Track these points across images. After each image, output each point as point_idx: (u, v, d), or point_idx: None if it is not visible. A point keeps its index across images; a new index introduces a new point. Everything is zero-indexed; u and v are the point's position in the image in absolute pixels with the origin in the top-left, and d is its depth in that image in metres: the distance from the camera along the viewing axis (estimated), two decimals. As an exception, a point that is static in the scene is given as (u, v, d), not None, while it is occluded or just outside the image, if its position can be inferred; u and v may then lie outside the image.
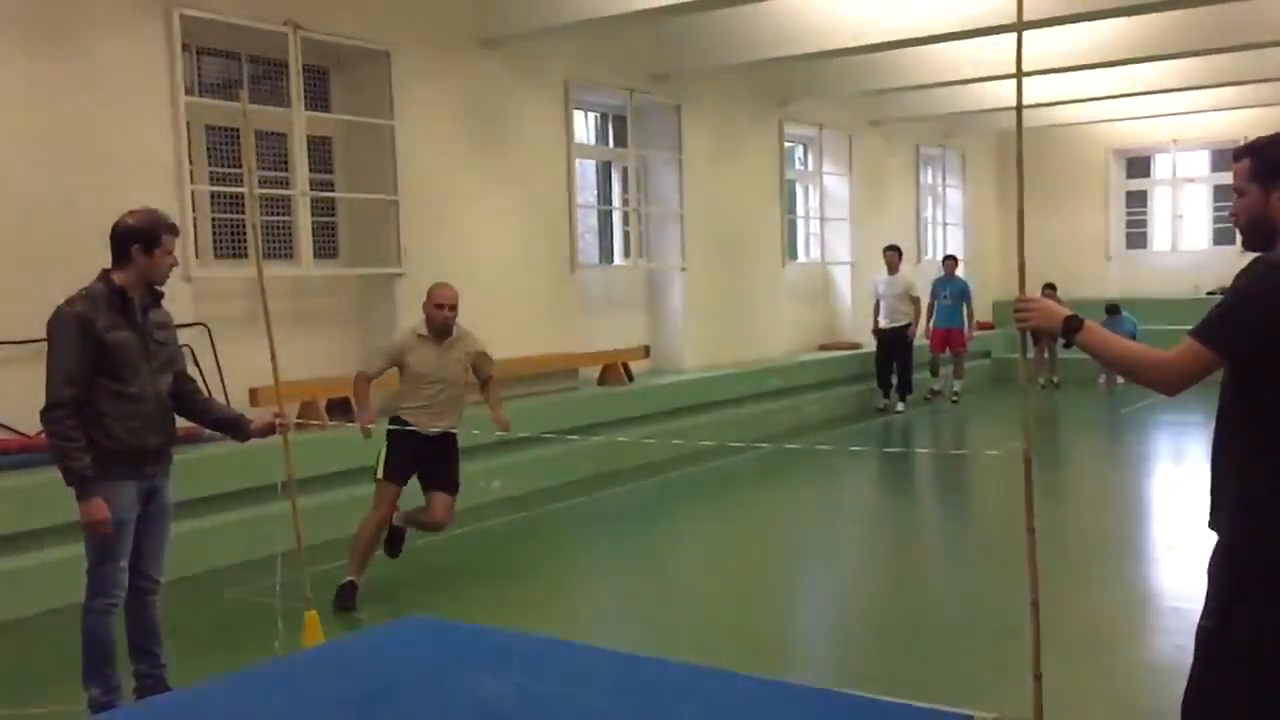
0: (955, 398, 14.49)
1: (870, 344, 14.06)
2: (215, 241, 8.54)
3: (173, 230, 4.51)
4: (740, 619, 6.14)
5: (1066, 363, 15.55)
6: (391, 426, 6.24)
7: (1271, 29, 11.28)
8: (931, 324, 14.39)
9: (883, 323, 13.64)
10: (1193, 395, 3.04)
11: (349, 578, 6.11)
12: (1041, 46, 11.35)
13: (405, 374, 6.27)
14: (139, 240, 4.38)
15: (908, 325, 13.59)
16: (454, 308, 6.22)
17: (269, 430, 4.86)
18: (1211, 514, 2.92)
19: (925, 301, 14.26)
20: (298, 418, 7.24)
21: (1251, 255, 2.86)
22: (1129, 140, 18.70)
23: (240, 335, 7.85)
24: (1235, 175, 2.91)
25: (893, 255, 13.73)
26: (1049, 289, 14.83)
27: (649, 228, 12.51)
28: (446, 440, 6.34)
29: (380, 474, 6.23)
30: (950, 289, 14.46)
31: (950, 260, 14.89)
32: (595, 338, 11.35)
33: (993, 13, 9.87)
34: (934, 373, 14.45)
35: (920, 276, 14.80)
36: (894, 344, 13.59)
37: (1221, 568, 2.87)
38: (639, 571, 7.39)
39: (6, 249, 6.93)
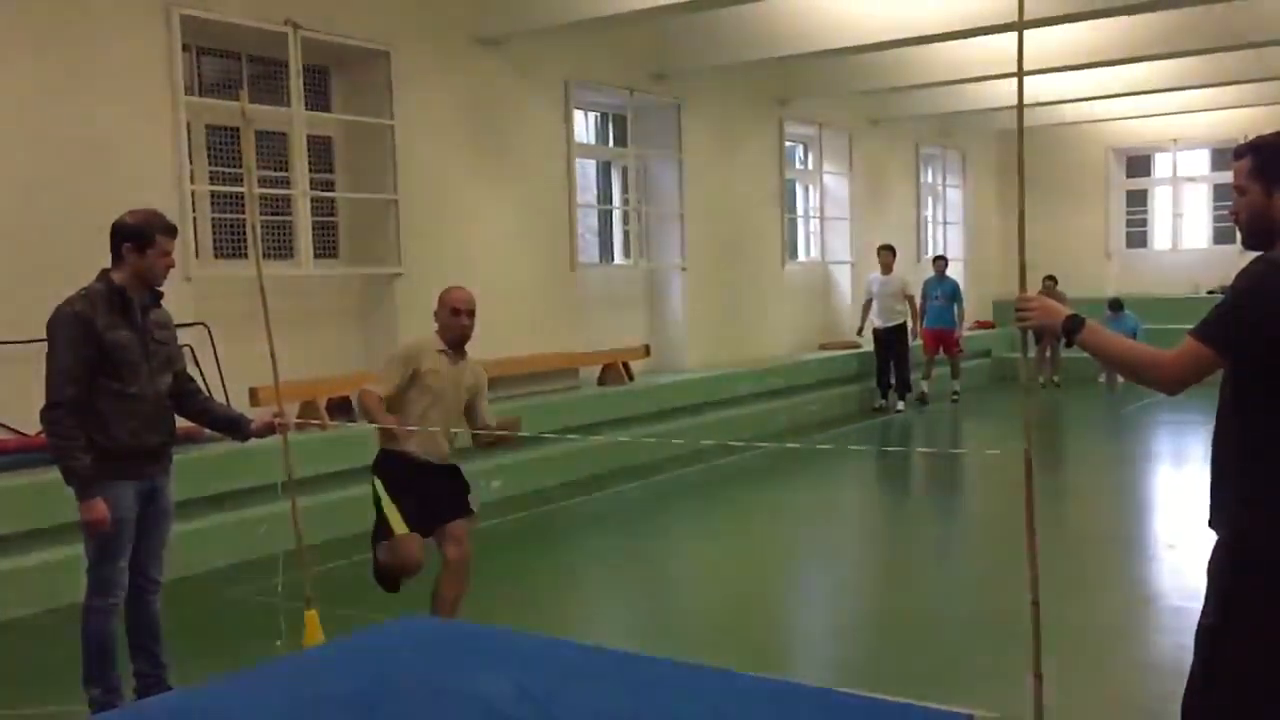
0: (955, 397, 14.47)
1: (864, 343, 14.05)
2: (215, 241, 8.55)
3: (169, 231, 4.49)
4: (740, 618, 6.14)
5: (1068, 362, 15.54)
6: (382, 471, 5.22)
7: (1271, 29, 11.28)
8: (924, 324, 14.38)
9: (878, 322, 13.63)
10: (1193, 395, 3.04)
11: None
12: (1042, 45, 11.35)
13: (412, 386, 5.16)
14: (131, 239, 4.37)
15: (904, 324, 13.60)
16: (472, 314, 5.32)
17: (269, 430, 4.85)
18: (1211, 513, 2.92)
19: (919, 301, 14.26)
20: (298, 418, 7.24)
21: (1252, 254, 2.85)
22: (1129, 139, 18.69)
23: (240, 335, 7.84)
24: (1236, 174, 2.91)
25: (887, 254, 13.72)
26: (1049, 280, 14.82)
27: (649, 227, 12.51)
28: (445, 467, 5.39)
29: (395, 528, 5.07)
30: (942, 289, 14.42)
31: (941, 260, 14.86)
32: (595, 337, 11.35)
33: (993, 12, 9.87)
34: (924, 375, 14.43)
35: (919, 276, 14.80)
36: (891, 343, 13.59)
37: (1221, 567, 2.87)
38: (638, 571, 7.39)
39: (6, 249, 6.93)
